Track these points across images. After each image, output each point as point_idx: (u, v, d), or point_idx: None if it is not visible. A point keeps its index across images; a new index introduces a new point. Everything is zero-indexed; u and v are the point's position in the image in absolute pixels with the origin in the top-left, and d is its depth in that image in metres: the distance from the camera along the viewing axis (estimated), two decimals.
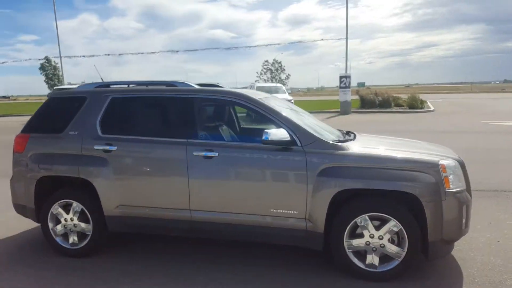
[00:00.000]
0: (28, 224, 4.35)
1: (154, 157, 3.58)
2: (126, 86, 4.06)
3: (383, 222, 3.15)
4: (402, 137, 4.51)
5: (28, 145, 3.88)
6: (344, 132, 4.21)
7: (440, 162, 3.13)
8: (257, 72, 32.81)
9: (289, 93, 21.48)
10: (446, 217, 3.08)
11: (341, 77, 21.69)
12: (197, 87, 3.78)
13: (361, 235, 3.19)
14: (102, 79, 4.69)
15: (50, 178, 3.79)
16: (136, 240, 4.14)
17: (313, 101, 38.86)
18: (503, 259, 3.55)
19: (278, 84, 22.65)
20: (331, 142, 3.33)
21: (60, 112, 3.93)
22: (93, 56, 36.03)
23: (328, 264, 3.45)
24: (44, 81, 40.97)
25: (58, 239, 3.82)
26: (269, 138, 3.18)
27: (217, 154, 3.41)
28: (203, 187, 3.46)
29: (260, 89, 20.14)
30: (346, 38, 22.30)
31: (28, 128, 3.98)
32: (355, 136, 3.94)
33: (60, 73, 44.35)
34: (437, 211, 3.06)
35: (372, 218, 3.16)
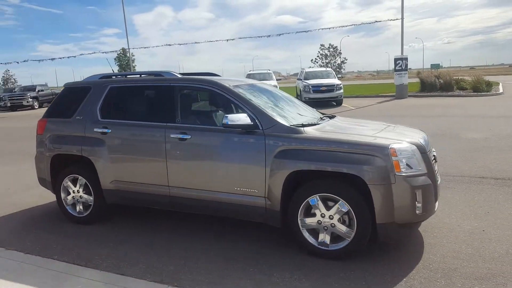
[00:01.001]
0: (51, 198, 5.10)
1: (140, 139, 4.05)
2: (124, 76, 4.55)
3: (334, 202, 3.28)
4: (412, 121, 4.47)
5: (46, 128, 4.57)
6: (322, 116, 4.32)
7: (391, 146, 3.17)
8: (315, 57, 32.18)
9: (339, 77, 21.01)
10: (397, 201, 3.13)
11: (396, 60, 20.68)
12: (179, 76, 4.14)
13: (313, 215, 3.37)
14: (112, 71, 5.26)
15: (61, 156, 4.45)
16: (141, 213, 4.69)
17: (369, 85, 37.47)
18: (475, 248, 3.48)
19: (265, 71, 22.39)
20: (289, 126, 3.51)
21: (70, 100, 4.56)
22: (165, 45, 38.41)
23: (287, 241, 3.67)
24: (118, 70, 44.38)
25: (68, 208, 4.48)
26: (229, 123, 3.45)
27: (190, 136, 3.77)
28: (178, 166, 3.85)
29: (251, 76, 20.45)
30: (402, 18, 21.13)
31: (47, 114, 4.67)
32: (330, 119, 4.04)
33: (134, 64, 47.56)
34: (386, 194, 3.11)
35: (323, 199, 3.31)
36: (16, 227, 4.44)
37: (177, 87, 4.01)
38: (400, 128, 4.07)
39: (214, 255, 3.52)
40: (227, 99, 3.78)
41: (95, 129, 4.22)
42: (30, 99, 27.30)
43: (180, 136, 3.80)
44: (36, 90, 28.53)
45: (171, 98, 3.98)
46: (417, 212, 3.20)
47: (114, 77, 4.59)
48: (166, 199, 3.97)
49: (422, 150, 3.36)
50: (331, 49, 30.07)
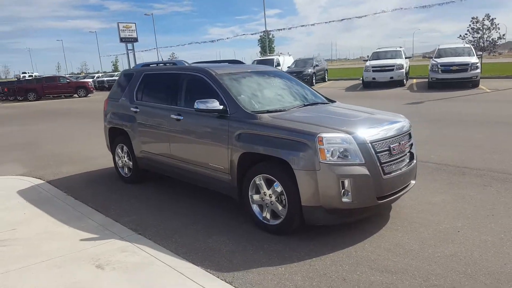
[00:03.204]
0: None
1: (154, 118, 4.97)
2: (156, 65, 5.53)
3: (272, 183, 3.61)
4: None
5: (107, 107, 5.92)
6: (321, 101, 4.66)
7: (319, 135, 3.30)
8: (464, 33, 27.92)
9: (487, 55, 18.22)
10: (322, 187, 3.28)
11: None
12: (188, 65, 4.88)
13: (259, 192, 3.75)
14: (162, 59, 6.31)
15: (114, 128, 5.74)
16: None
17: None
18: (426, 245, 3.35)
19: (394, 48, 20.72)
20: (249, 112, 3.90)
21: (121, 84, 5.78)
22: (305, 26, 38.89)
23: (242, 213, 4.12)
24: (260, 52, 47.13)
25: (120, 170, 5.79)
26: (199, 107, 4.04)
27: (182, 118, 4.51)
28: (175, 141, 4.65)
29: (376, 54, 20.16)
30: None
31: (109, 95, 6.02)
32: (324, 105, 4.46)
33: (273, 45, 49.75)
34: (310, 179, 3.30)
35: (266, 179, 3.66)
36: (85, 180, 5.99)
37: (180, 74, 4.76)
38: (378, 117, 3.97)
39: (182, 216, 4.28)
40: (211, 86, 4.34)
41: (131, 108, 5.33)
42: None
43: (177, 117, 4.57)
44: None
45: (175, 84, 4.76)
46: (344, 200, 3.29)
47: (150, 66, 5.62)
48: (169, 167, 4.84)
49: (360, 141, 3.35)
50: (487, 22, 25.32)
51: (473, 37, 27.03)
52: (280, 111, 4.04)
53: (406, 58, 20.20)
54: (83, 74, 64.98)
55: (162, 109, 4.84)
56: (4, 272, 3.15)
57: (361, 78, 19.95)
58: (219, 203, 4.60)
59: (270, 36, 42.41)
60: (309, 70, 23.18)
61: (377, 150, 3.42)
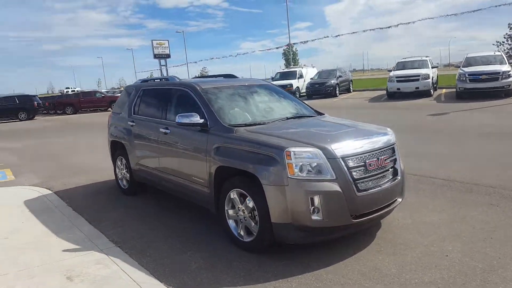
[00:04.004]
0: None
1: (146, 131, 5.07)
2: (153, 80, 5.65)
3: (245, 197, 3.54)
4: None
5: (111, 120, 6.10)
6: (308, 113, 4.63)
7: (287, 149, 3.21)
8: (497, 41, 26.55)
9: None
10: (291, 203, 3.19)
11: None
12: (177, 81, 4.95)
13: (233, 207, 3.69)
14: (162, 74, 6.45)
15: (115, 142, 5.90)
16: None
17: None
18: (405, 270, 3.17)
19: (420, 58, 20.17)
20: (226, 126, 3.88)
21: (123, 99, 5.95)
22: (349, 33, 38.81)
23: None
24: (284, 64, 47.43)
25: (120, 182, 5.92)
26: (179, 121, 4.07)
27: (169, 131, 4.56)
28: (163, 154, 4.71)
29: (401, 64, 19.87)
30: None
31: (113, 109, 6.20)
32: (309, 118, 4.45)
33: (297, 57, 49.84)
34: (279, 195, 3.21)
35: (240, 194, 3.60)
36: (89, 191, 6.17)
37: (171, 89, 4.84)
38: (359, 131, 3.82)
39: (164, 229, 4.29)
40: (195, 100, 4.36)
41: (128, 123, 5.46)
42: None
43: (164, 130, 4.62)
44: None
45: (165, 99, 4.84)
46: (314, 217, 3.17)
47: (146, 82, 5.77)
48: (158, 179, 4.89)
49: (330, 155, 3.23)
50: None
51: (509, 44, 25.71)
52: (259, 124, 4.00)
53: (433, 67, 19.54)
54: (121, 89, 67.84)
55: (153, 122, 4.92)
56: None
57: (385, 89, 19.48)
58: (205, 217, 4.57)
59: (294, 49, 42.38)
60: (332, 81, 23.03)
61: (350, 166, 3.28)
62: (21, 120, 25.11)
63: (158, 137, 4.75)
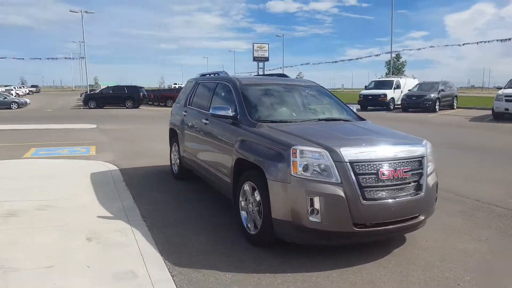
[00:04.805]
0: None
1: (192, 121, 5.38)
2: (209, 75, 5.97)
3: (254, 191, 3.57)
4: None
5: (172, 110, 6.61)
6: (348, 118, 4.50)
7: (294, 147, 3.17)
8: None
9: None
10: (292, 202, 3.15)
11: None
12: (224, 75, 5.18)
13: (246, 199, 3.75)
14: (225, 73, 6.74)
15: (172, 129, 6.37)
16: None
17: None
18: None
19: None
20: (252, 120, 3.96)
21: (184, 91, 6.39)
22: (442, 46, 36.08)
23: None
24: (386, 73, 45.28)
25: (172, 166, 6.38)
26: (213, 113, 4.27)
27: (208, 122, 4.80)
28: (202, 143, 4.96)
29: None
30: None
31: (176, 100, 6.70)
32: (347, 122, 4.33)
33: (403, 68, 47.26)
34: (281, 191, 3.19)
35: (251, 187, 3.64)
36: (147, 171, 6.75)
37: (215, 83, 5.08)
38: (384, 138, 3.58)
39: (190, 212, 4.52)
40: (232, 94, 4.53)
41: (182, 112, 5.87)
42: None
43: (205, 121, 4.88)
44: None
45: (210, 92, 5.10)
46: (312, 219, 3.08)
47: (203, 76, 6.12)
48: (200, 169, 5.16)
49: (338, 158, 3.10)
50: None
51: None
52: (285, 122, 3.99)
53: None
54: None
55: (199, 113, 5.22)
56: (16, 228, 3.87)
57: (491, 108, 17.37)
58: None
59: (401, 60, 40.20)
60: (432, 95, 21.23)
61: (358, 172, 3.10)
62: (127, 108, 28.28)
63: (200, 127, 5.03)
